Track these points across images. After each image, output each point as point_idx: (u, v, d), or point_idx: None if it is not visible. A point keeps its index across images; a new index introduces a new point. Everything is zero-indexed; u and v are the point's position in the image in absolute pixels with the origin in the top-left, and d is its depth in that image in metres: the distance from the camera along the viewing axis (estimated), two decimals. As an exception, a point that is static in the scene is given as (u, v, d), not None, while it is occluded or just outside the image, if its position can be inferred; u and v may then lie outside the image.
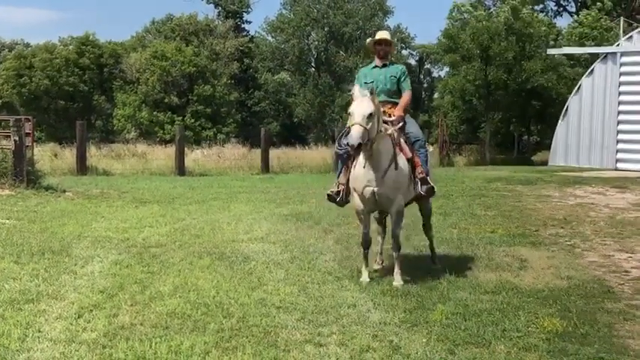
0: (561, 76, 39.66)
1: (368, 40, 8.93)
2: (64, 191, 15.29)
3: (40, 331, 5.89)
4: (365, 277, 7.83)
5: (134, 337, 5.77)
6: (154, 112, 47.51)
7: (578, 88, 29.24)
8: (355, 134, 7.27)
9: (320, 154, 28.91)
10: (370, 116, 7.39)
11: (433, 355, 5.50)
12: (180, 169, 22.66)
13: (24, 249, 9.01)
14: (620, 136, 27.51)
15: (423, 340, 5.83)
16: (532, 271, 8.41)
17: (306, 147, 36.96)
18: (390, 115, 8.19)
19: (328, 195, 8.56)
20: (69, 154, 24.28)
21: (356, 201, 8.05)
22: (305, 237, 10.34)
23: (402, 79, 8.60)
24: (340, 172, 8.42)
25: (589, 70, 29.26)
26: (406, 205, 8.37)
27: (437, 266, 8.63)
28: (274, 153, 28.34)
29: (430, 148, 8.76)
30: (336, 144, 8.50)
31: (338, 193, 8.38)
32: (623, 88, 27.45)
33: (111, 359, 5.33)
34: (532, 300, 7.06)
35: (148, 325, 6.08)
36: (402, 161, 7.92)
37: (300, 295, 7.10)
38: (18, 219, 11.60)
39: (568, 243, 10.35)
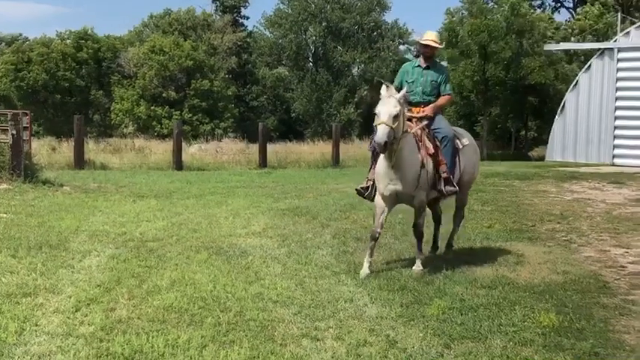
0: (559, 72, 39.71)
1: (417, 39, 9.38)
2: (62, 185, 15.28)
3: (37, 325, 5.90)
4: (365, 269, 7.91)
5: (131, 331, 5.78)
6: (152, 107, 47.47)
7: (576, 84, 29.27)
8: (381, 133, 7.50)
9: (318, 149, 28.92)
10: (396, 117, 7.61)
11: (429, 350, 5.52)
12: (178, 164, 22.65)
13: (21, 243, 9.01)
14: (617, 132, 27.56)
15: (420, 334, 5.85)
16: (528, 266, 8.44)
17: (304, 142, 36.99)
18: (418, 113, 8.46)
19: (357, 190, 8.81)
20: (66, 149, 24.27)
21: (377, 197, 8.26)
22: (302, 231, 10.35)
23: (443, 83, 8.79)
24: (370, 168, 8.59)
25: (586, 65, 29.30)
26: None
27: (448, 256, 8.92)
28: (272, 148, 28.35)
29: (465, 142, 8.86)
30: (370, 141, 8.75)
31: (366, 188, 8.59)
32: (620, 84, 27.49)
33: (108, 353, 5.34)
34: (528, 295, 7.09)
35: (144, 319, 6.10)
36: (424, 160, 8.11)
37: (297, 290, 7.12)
38: (15, 213, 11.60)
39: (564, 238, 10.37)
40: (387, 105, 7.65)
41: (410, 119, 8.27)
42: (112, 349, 5.41)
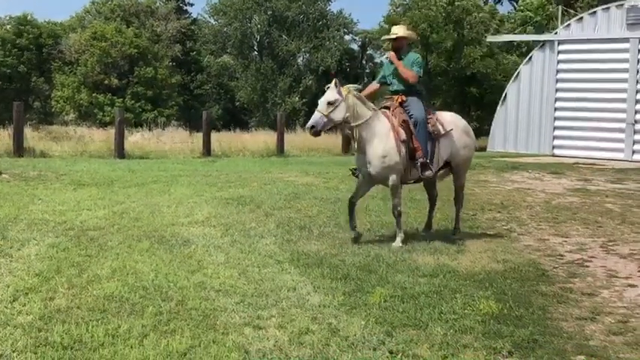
0: (500, 63, 40.23)
1: (383, 38, 10.77)
2: (0, 173, 14.98)
3: (-27, 315, 5.79)
4: (352, 234, 9.08)
5: (70, 321, 5.71)
6: (94, 94, 46.77)
7: (517, 75, 29.67)
8: (311, 119, 8.68)
9: (262, 138, 28.82)
10: (330, 103, 8.61)
11: (371, 337, 5.56)
12: (120, 152, 22.35)
13: (-43, 232, 8.82)
14: (557, 123, 28.04)
15: (362, 322, 5.89)
16: (469, 254, 8.55)
17: (249, 131, 36.86)
18: (397, 101, 9.21)
19: (351, 170, 9.81)
20: (6, 136, 23.78)
21: (359, 177, 9.36)
22: (246, 220, 10.32)
23: (410, 65, 9.36)
24: None
25: (527, 57, 29.71)
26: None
27: (455, 237, 9.59)
28: (216, 136, 28.16)
29: (448, 127, 9.50)
30: None
31: (356, 169, 9.49)
32: (560, 76, 27.96)
33: (46, 342, 5.26)
34: (469, 283, 7.18)
35: (84, 309, 6.02)
36: (397, 145, 8.86)
37: (240, 279, 7.10)
38: (-49, 201, 11.34)
39: (504, 227, 10.53)
40: (326, 94, 8.69)
41: (387, 107, 9.19)
42: (51, 338, 5.33)
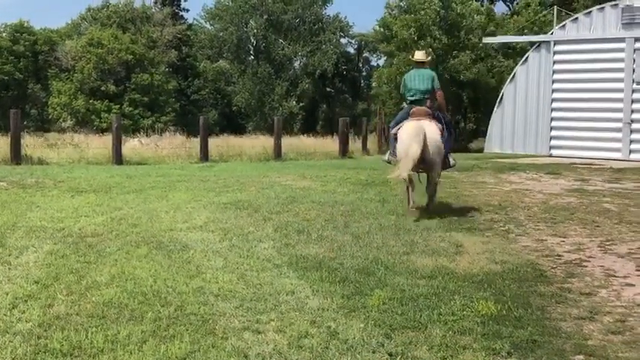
0: (493, 66, 40.25)
1: (414, 58, 12.41)
2: (-2, 181, 14.98)
3: (-28, 323, 5.79)
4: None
5: (70, 327, 5.71)
6: (91, 101, 46.81)
7: (513, 77, 29.71)
8: None
9: (259, 143, 28.83)
10: None
11: (370, 340, 5.56)
12: (118, 158, 22.35)
13: (-44, 240, 8.82)
14: (554, 124, 28.05)
15: (361, 325, 5.89)
16: (467, 255, 8.55)
17: (246, 135, 36.88)
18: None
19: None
20: (3, 143, 23.78)
21: None
22: (244, 225, 10.32)
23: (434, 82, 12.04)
24: None
25: (523, 58, 29.74)
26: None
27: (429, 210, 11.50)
28: (213, 141, 28.15)
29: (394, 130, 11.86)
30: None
31: None
32: (556, 76, 27.99)
33: (46, 349, 5.26)
34: (467, 284, 7.18)
35: (83, 315, 6.02)
36: None
37: (238, 283, 7.10)
38: (-51, 210, 11.33)
39: (502, 228, 10.54)
40: None
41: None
42: (51, 345, 5.33)
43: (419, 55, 12.29)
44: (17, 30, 52.92)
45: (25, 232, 9.47)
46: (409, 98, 11.73)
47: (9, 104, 43.75)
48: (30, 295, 6.54)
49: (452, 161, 12.11)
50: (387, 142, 13.48)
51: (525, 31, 40.14)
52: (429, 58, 12.58)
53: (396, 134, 11.40)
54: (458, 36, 39.41)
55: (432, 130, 11.13)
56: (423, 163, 11.07)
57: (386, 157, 12.55)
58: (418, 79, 11.70)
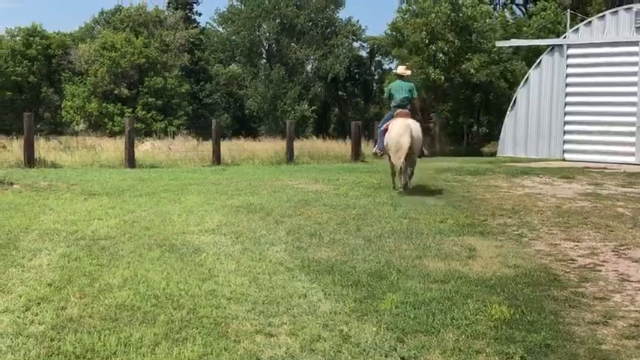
0: (506, 69, 40.11)
1: (395, 72, 16.36)
2: (12, 184, 15.03)
3: (-14, 325, 5.82)
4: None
5: (83, 330, 5.72)
6: (104, 104, 46.98)
7: (526, 80, 29.62)
8: None
9: (272, 146, 28.85)
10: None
11: (383, 344, 5.55)
12: (130, 162, 22.40)
13: (-30, 242, 8.85)
14: (567, 127, 27.94)
15: (373, 329, 5.88)
16: (480, 260, 8.53)
17: (258, 139, 36.92)
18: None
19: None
20: (16, 146, 23.88)
21: None
22: (256, 228, 10.33)
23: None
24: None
25: (537, 62, 29.65)
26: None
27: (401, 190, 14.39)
28: (226, 145, 28.20)
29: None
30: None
31: None
32: (569, 80, 27.88)
33: (59, 352, 5.28)
34: (480, 288, 7.16)
35: (96, 318, 6.04)
36: None
37: (251, 286, 7.10)
38: (-37, 212, 11.38)
39: (516, 232, 10.50)
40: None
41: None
42: (64, 347, 5.35)
43: (401, 69, 15.64)
44: (30, 34, 53.17)
45: (39, 235, 9.51)
46: (394, 104, 14.82)
47: (22, 107, 43.92)
48: (43, 298, 6.56)
49: (425, 151, 15.47)
50: (376, 138, 16.88)
51: (541, 34, 40.08)
52: (409, 72, 15.76)
53: (385, 130, 14.51)
54: (469, 39, 39.28)
55: (416, 126, 14.19)
56: (409, 150, 13.82)
57: (374, 150, 15.95)
58: (401, 89, 14.90)
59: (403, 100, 14.82)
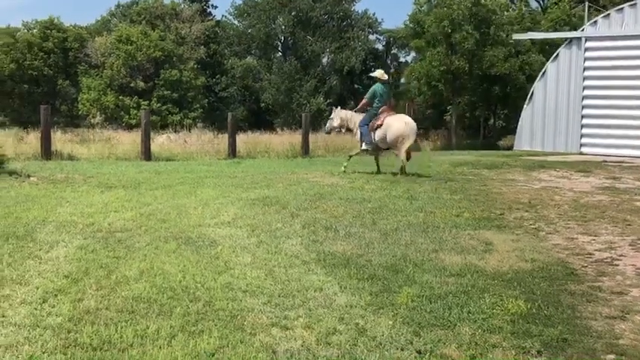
0: (525, 62, 39.93)
1: (373, 75, 17.59)
2: (29, 176, 15.10)
3: (3, 316, 5.85)
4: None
5: (99, 322, 5.75)
6: (120, 97, 47.12)
7: (544, 73, 29.46)
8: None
9: (287, 139, 28.87)
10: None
11: (399, 337, 5.54)
12: (146, 154, 22.47)
13: (-13, 234, 8.90)
14: (585, 121, 27.79)
15: (389, 322, 5.88)
16: (497, 254, 8.49)
17: (274, 132, 36.92)
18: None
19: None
20: (33, 139, 24.01)
21: None
22: (272, 221, 10.33)
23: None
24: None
25: (554, 55, 29.48)
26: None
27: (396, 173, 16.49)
28: (241, 138, 28.24)
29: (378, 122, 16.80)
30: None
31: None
32: (587, 73, 27.72)
33: (76, 344, 5.30)
34: (497, 282, 7.14)
35: (113, 310, 6.06)
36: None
37: (266, 279, 7.11)
38: (-19, 204, 11.44)
39: (532, 226, 10.45)
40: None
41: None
42: (80, 339, 5.37)
43: (380, 73, 17.45)
44: (47, 27, 53.35)
45: (55, 227, 9.55)
46: (378, 104, 16.82)
47: (39, 100, 44.09)
48: (60, 290, 6.59)
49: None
50: (362, 136, 17.35)
51: (557, 27, 39.87)
52: (387, 76, 17.76)
53: (379, 125, 16.55)
54: (488, 32, 39.12)
55: (411, 120, 16.90)
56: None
57: (364, 146, 17.33)
58: (383, 91, 16.99)
59: (386, 100, 17.26)
